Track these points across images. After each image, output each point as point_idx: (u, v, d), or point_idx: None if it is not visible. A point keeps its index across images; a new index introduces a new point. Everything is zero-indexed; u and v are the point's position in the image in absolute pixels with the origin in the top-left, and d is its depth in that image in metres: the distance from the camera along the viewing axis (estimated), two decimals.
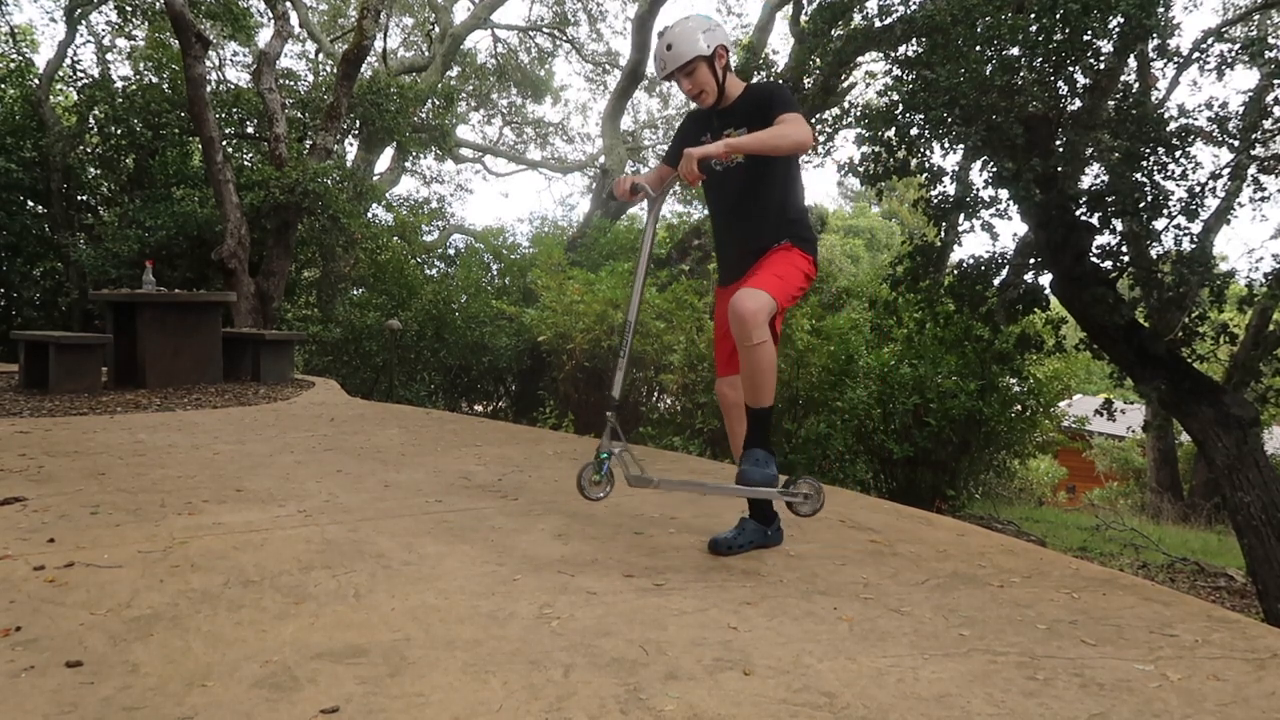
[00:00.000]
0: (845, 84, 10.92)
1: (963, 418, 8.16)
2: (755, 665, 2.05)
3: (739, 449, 3.03)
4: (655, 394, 10.07)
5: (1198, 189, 5.91)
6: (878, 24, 7.21)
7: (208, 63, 12.15)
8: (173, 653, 2.02)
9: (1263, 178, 6.18)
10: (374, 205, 15.04)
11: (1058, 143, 6.07)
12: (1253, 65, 5.85)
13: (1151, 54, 6.63)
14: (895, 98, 6.48)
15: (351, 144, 15.88)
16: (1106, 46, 5.97)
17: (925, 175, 6.66)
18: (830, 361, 8.59)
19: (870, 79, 12.23)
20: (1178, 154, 5.89)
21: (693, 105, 3.06)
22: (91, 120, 12.83)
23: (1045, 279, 6.66)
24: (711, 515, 3.51)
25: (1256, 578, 5.99)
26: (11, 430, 5.20)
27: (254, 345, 8.47)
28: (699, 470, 4.66)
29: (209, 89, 11.35)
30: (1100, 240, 6.42)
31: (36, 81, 13.52)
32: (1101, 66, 6.05)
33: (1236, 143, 5.95)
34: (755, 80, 3.13)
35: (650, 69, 19.56)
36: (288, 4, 14.50)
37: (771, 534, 3.05)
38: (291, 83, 15.14)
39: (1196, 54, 6.29)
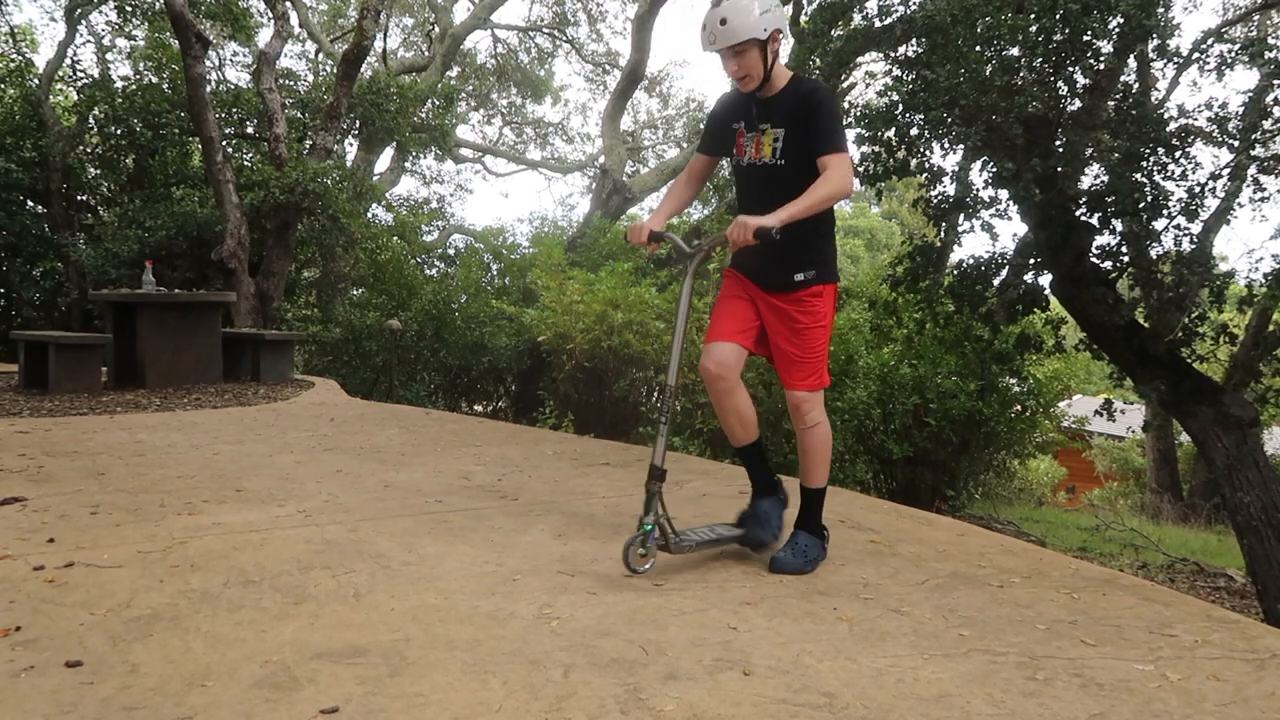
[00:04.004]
0: (845, 84, 10.92)
1: (962, 418, 8.16)
2: (755, 665, 2.05)
3: (736, 429, 2.89)
4: (655, 394, 10.06)
5: (1198, 189, 5.90)
6: (878, 24, 7.21)
7: (208, 63, 12.15)
8: (173, 653, 2.02)
9: (1263, 178, 6.17)
10: (374, 205, 15.03)
11: (1058, 143, 6.07)
12: (1253, 65, 5.85)
13: (1151, 54, 6.63)
14: (895, 98, 6.47)
15: (351, 144, 15.87)
16: (1106, 47, 5.96)
17: (925, 175, 6.66)
18: (830, 361, 8.58)
19: (870, 79, 12.24)
20: (1178, 154, 5.88)
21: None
22: (91, 120, 12.82)
23: (1045, 279, 6.65)
24: (712, 516, 3.51)
25: (1256, 578, 5.98)
26: (11, 430, 5.20)
27: (254, 345, 8.47)
28: (697, 469, 4.66)
29: (209, 89, 11.34)
30: (1100, 240, 6.41)
31: (36, 81, 13.50)
32: (1101, 67, 6.04)
33: (1236, 143, 5.95)
34: (801, 75, 2.96)
35: (650, 69, 19.57)
36: (288, 4, 14.50)
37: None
38: (291, 83, 15.13)
39: (1196, 54, 6.29)
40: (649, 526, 2.63)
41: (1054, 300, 6.80)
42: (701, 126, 3.10)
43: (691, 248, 2.79)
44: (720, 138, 2.94)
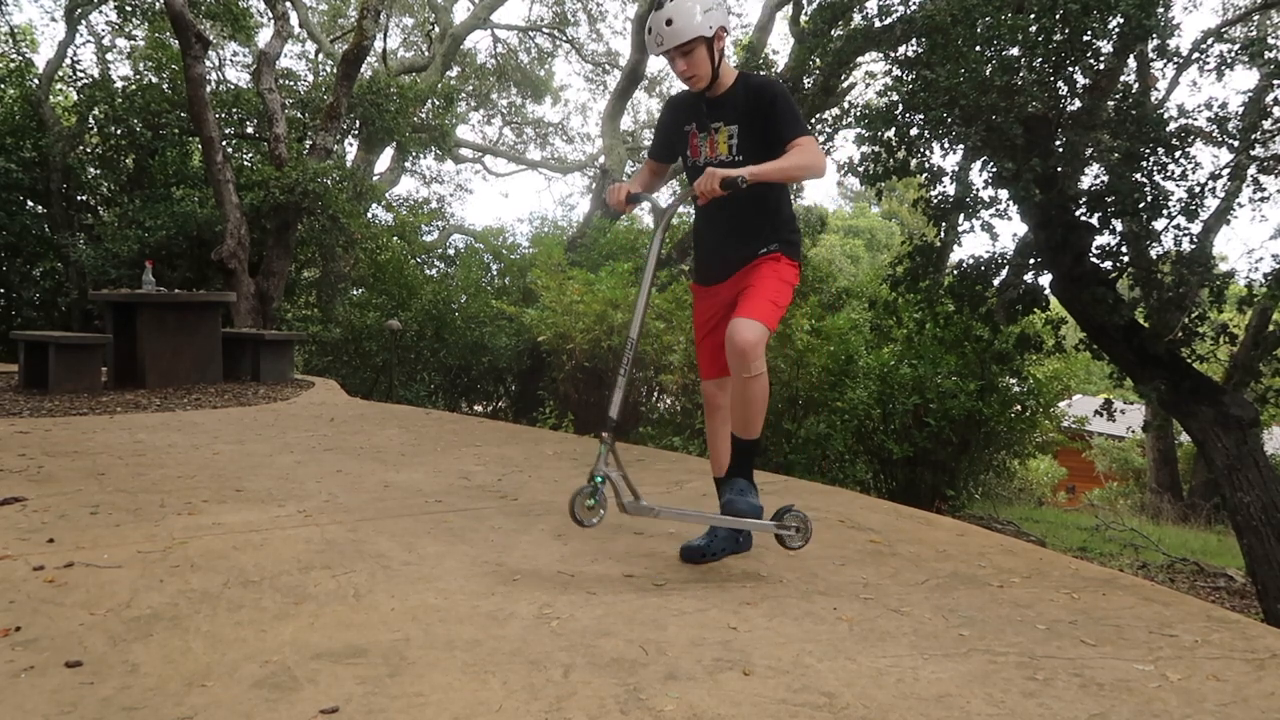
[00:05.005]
0: (845, 84, 10.92)
1: (962, 418, 8.16)
2: (755, 665, 2.05)
3: (721, 455, 2.90)
4: (655, 394, 10.06)
5: (1197, 189, 5.91)
6: (878, 24, 7.21)
7: (208, 63, 12.15)
8: (173, 653, 2.02)
9: (1262, 178, 6.18)
10: (374, 205, 15.03)
11: (1058, 143, 6.08)
12: (1253, 65, 5.86)
13: (1151, 54, 6.64)
14: (895, 98, 6.48)
15: (351, 144, 15.87)
16: (1106, 46, 5.97)
17: (925, 175, 6.67)
18: (830, 361, 8.58)
19: (870, 79, 12.24)
20: (1178, 154, 5.89)
21: (675, 88, 2.96)
22: (91, 120, 12.82)
23: (1045, 279, 6.66)
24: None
25: (1256, 578, 5.99)
26: (11, 430, 5.19)
27: (254, 345, 8.47)
28: (697, 469, 4.66)
29: (209, 89, 11.35)
30: (1100, 240, 6.43)
31: (36, 81, 13.51)
32: (1101, 66, 6.05)
33: (1236, 143, 5.96)
34: (748, 72, 2.96)
35: (650, 69, 19.57)
36: (288, 4, 14.51)
37: (743, 540, 2.93)
38: (291, 83, 15.13)
39: (1196, 54, 6.29)
40: (599, 479, 2.58)
41: (1054, 300, 6.81)
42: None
43: (665, 205, 2.84)
44: (671, 142, 2.95)
